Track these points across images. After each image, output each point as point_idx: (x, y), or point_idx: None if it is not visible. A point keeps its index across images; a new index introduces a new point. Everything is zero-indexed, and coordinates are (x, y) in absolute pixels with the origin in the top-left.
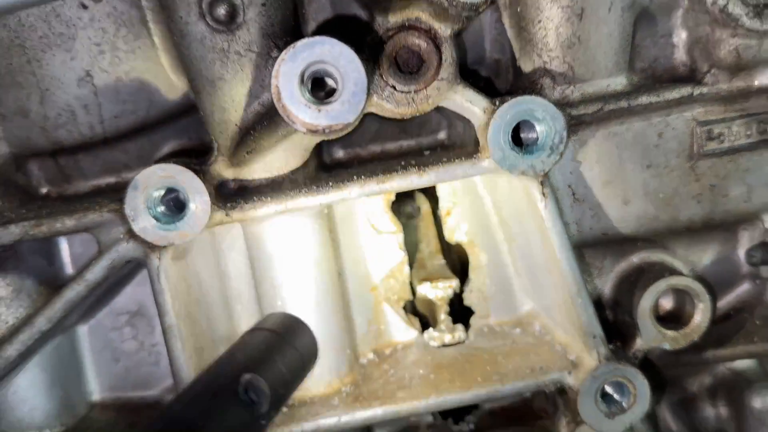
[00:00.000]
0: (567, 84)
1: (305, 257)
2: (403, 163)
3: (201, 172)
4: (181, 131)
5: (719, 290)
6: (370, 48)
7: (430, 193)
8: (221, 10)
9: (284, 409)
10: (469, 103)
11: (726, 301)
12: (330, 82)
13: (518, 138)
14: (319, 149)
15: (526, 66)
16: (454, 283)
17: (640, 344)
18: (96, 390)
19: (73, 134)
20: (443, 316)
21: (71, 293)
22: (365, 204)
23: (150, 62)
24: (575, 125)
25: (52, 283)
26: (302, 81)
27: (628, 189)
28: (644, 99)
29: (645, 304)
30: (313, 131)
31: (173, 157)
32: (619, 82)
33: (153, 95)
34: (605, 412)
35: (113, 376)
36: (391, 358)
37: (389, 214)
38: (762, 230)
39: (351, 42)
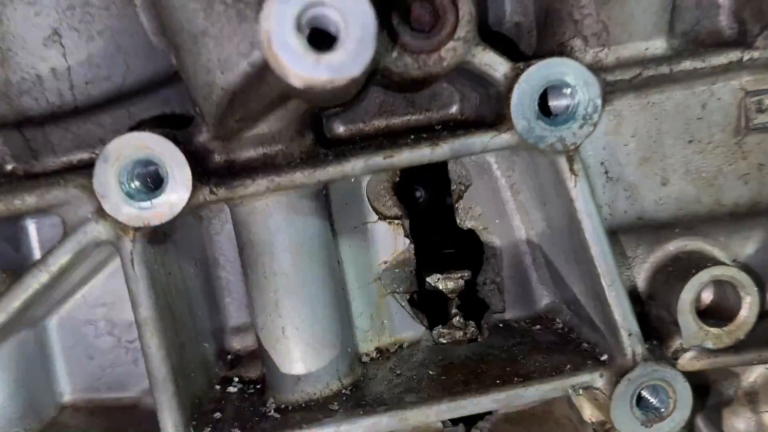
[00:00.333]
0: (601, 46)
1: (301, 243)
2: (412, 137)
3: (182, 142)
4: (163, 103)
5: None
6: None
7: (439, 175)
8: None
9: (276, 415)
10: (488, 67)
11: None
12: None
13: (545, 108)
14: (318, 125)
15: (554, 25)
16: (466, 274)
17: (679, 343)
18: (67, 391)
19: (40, 102)
20: (454, 310)
21: (32, 281)
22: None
23: (127, 21)
24: (610, 93)
25: (19, 270)
26: (298, 26)
27: (667, 167)
28: (687, 64)
29: (686, 297)
30: (311, 88)
31: (152, 126)
32: (658, 46)
33: (130, 60)
34: (641, 419)
35: (86, 375)
36: (396, 357)
37: (394, 197)
38: None
39: None
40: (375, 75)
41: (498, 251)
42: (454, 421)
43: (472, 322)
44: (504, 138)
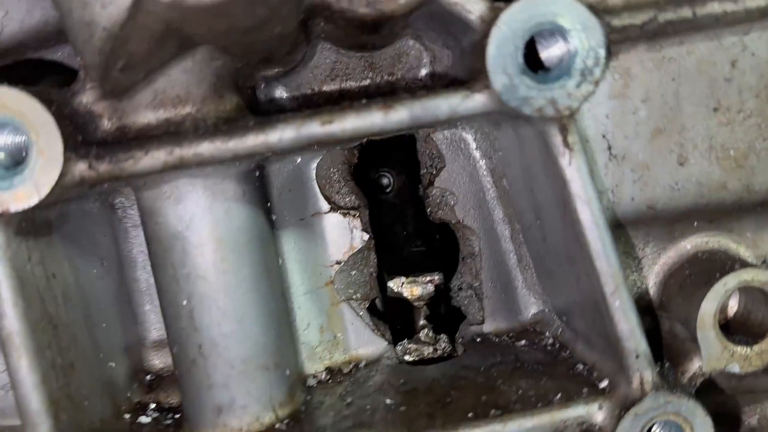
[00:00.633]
0: None
1: (223, 237)
2: (364, 101)
3: (57, 102)
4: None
5: None
6: None
7: (407, 157)
8: None
9: None
10: (459, 6)
11: None
12: None
13: (533, 61)
14: (250, 85)
15: None
16: (437, 277)
17: (698, 366)
18: None
19: None
20: (423, 321)
21: None
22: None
23: None
24: (616, 44)
25: None
26: None
27: (685, 142)
28: (715, 6)
29: (707, 307)
30: (179, 4)
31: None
32: None
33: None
34: None
35: None
36: (350, 380)
37: (351, 182)
38: None
39: None
40: (314, 20)
41: (476, 249)
42: None
43: (444, 336)
44: (478, 99)
